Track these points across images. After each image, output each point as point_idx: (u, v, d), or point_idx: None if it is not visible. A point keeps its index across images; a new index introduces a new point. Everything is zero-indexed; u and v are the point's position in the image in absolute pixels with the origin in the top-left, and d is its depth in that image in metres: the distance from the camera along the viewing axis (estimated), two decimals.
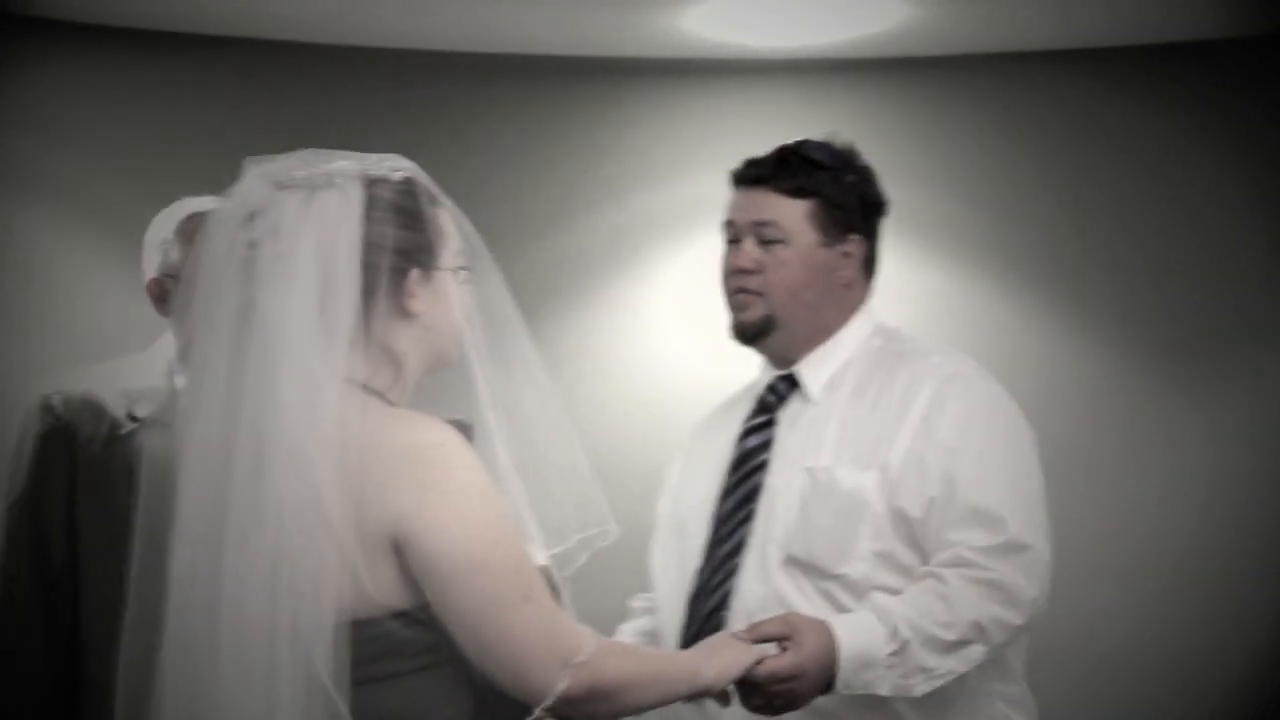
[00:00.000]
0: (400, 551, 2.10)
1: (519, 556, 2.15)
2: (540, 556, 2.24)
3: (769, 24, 5.36)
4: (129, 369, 3.21)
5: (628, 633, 3.17)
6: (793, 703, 2.64)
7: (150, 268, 3.22)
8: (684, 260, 5.68)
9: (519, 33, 5.46)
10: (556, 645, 2.16)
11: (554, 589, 2.23)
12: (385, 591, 2.10)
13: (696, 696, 2.44)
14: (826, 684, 2.68)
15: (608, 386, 5.57)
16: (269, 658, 2.05)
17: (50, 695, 3.13)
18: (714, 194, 5.72)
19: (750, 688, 2.58)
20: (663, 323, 5.74)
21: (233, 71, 5.43)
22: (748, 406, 3.10)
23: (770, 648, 2.61)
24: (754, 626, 2.66)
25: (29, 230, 5.17)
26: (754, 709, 2.63)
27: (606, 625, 2.29)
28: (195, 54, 5.38)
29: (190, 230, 3.13)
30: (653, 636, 3.11)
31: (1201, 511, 5.39)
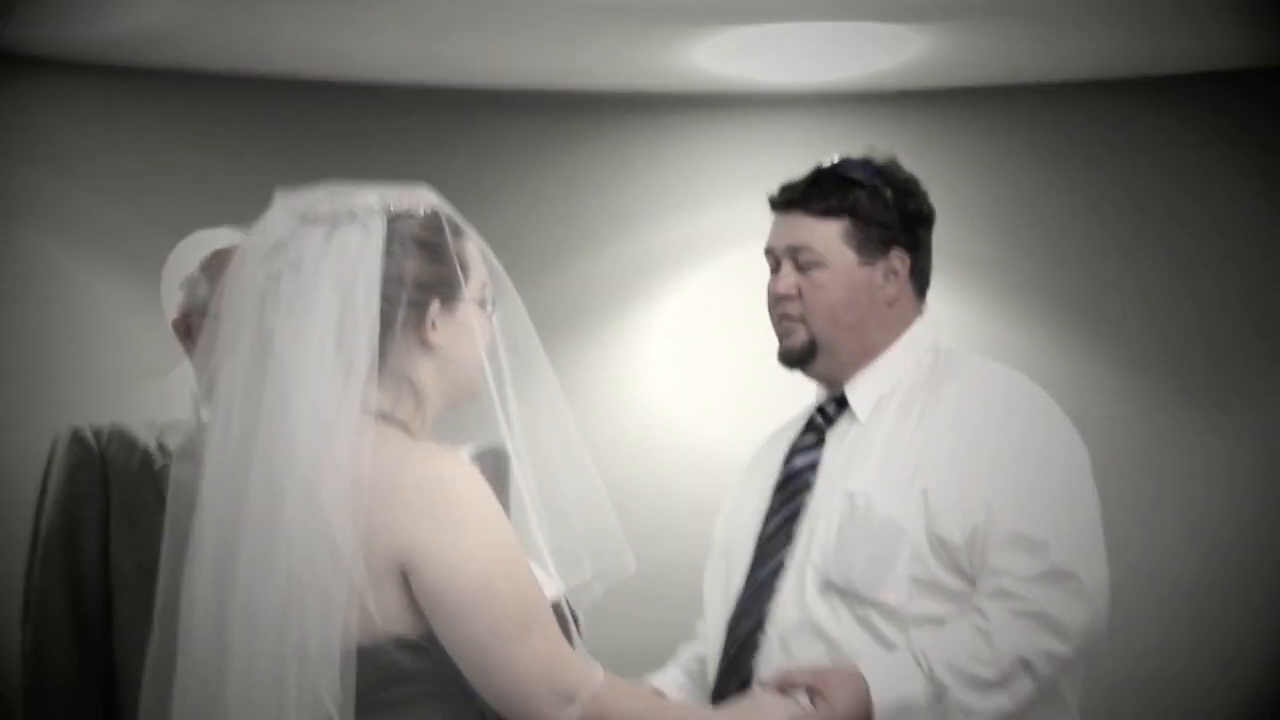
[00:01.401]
0: (408, 580, 2.14)
1: (526, 589, 2.18)
2: (554, 589, 2.25)
3: (779, 58, 5.38)
4: (151, 398, 3.25)
5: (689, 656, 3.15)
6: None
7: (173, 306, 3.23)
8: (687, 292, 5.73)
9: (528, 66, 5.52)
10: (560, 679, 2.17)
11: (566, 623, 2.25)
12: (392, 620, 2.14)
13: None
14: None
15: (608, 421, 5.53)
16: (278, 686, 2.09)
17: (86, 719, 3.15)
18: (721, 227, 5.75)
19: None
20: (665, 357, 5.78)
21: (236, 106, 5.52)
22: (800, 428, 3.06)
23: (801, 703, 2.59)
24: (786, 675, 2.65)
25: (40, 262, 5.25)
26: None
27: (616, 659, 2.30)
28: (216, 93, 5.48)
29: (216, 266, 3.17)
30: (704, 661, 3.08)
31: (1226, 538, 5.42)
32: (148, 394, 3.28)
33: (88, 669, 3.16)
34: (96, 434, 3.16)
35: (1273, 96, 5.41)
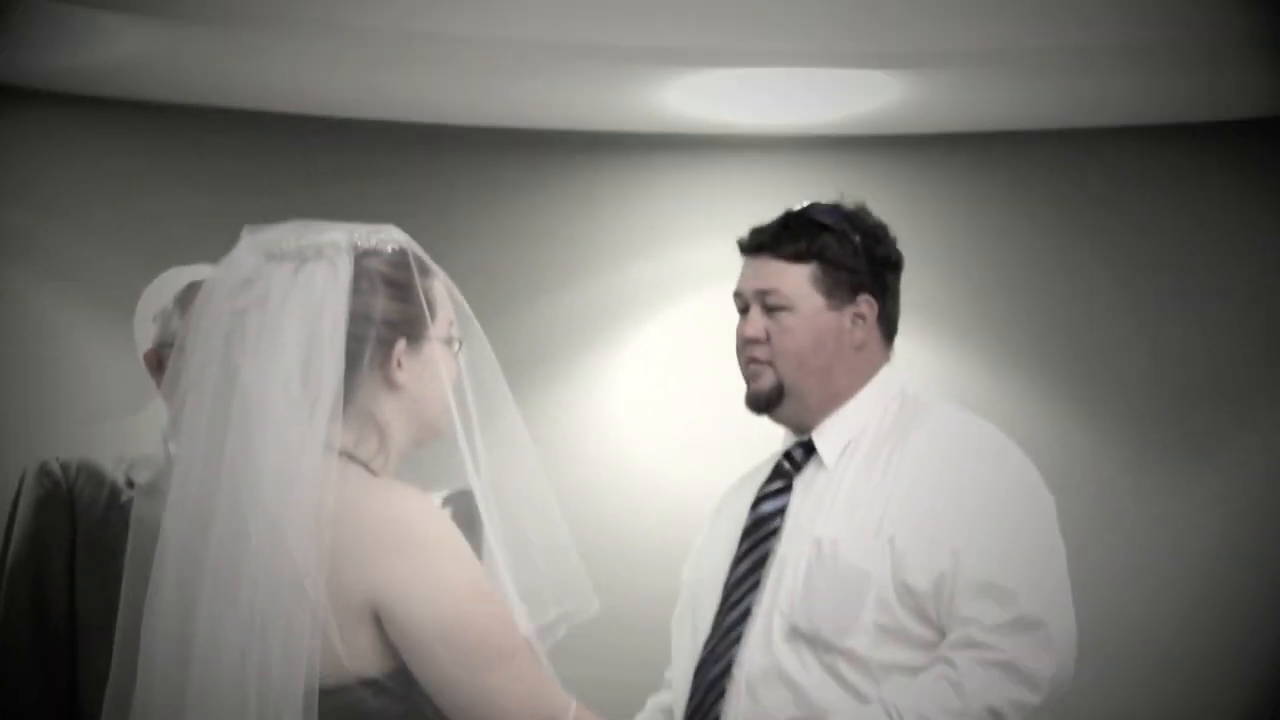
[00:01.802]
0: (379, 619, 2.13)
1: (500, 618, 2.18)
2: (523, 627, 2.25)
3: (752, 101, 5.40)
4: (122, 433, 3.24)
5: (653, 708, 3.17)
6: None
7: (146, 339, 3.24)
8: (653, 334, 5.75)
9: (497, 104, 5.54)
10: (540, 707, 2.18)
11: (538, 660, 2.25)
12: (358, 659, 2.13)
13: None
14: None
15: (571, 463, 5.55)
16: None
17: None
18: (688, 269, 5.77)
19: None
20: (629, 399, 5.77)
21: (224, 143, 5.53)
22: (768, 473, 3.06)
23: None
24: None
25: (6, 294, 5.23)
26: None
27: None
28: (188, 125, 5.49)
29: (190, 299, 3.15)
30: (670, 712, 3.09)
31: (1188, 584, 5.46)
32: (117, 429, 3.27)
33: (52, 703, 3.14)
34: (64, 467, 3.16)
35: (1241, 150, 5.45)
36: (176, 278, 3.27)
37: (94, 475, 3.15)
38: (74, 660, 3.14)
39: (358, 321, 2.18)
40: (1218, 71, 4.97)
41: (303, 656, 2.08)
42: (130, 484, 3.13)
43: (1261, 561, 5.35)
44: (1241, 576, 5.37)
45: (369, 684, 2.14)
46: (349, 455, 2.19)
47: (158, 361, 3.23)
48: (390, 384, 2.22)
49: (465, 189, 5.65)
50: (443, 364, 2.25)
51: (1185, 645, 5.39)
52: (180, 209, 5.32)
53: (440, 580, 2.13)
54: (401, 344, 2.22)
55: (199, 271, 3.21)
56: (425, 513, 2.16)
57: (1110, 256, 5.58)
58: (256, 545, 2.09)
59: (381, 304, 2.20)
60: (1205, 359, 5.50)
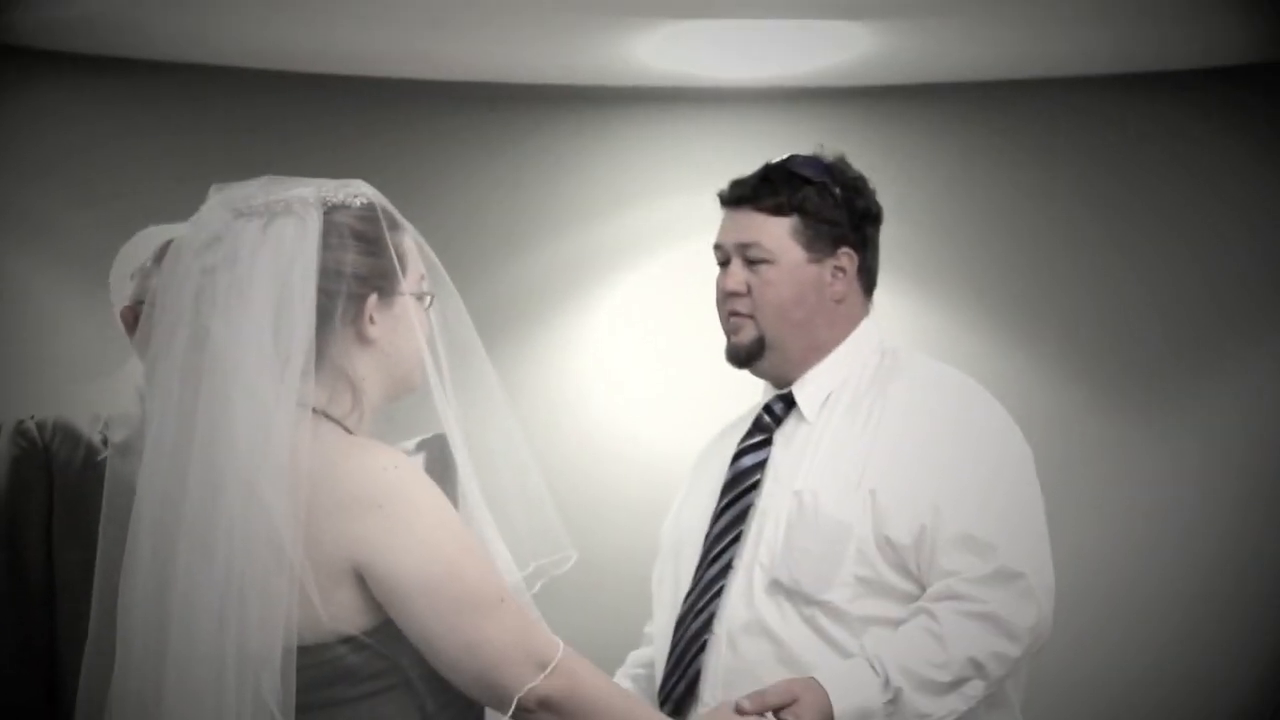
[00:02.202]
0: (360, 577, 2.13)
1: (484, 564, 2.19)
2: (509, 577, 2.26)
3: (723, 54, 5.36)
4: (99, 393, 3.22)
5: (632, 662, 3.18)
6: None
7: (123, 296, 3.22)
8: (627, 289, 5.74)
9: (468, 59, 5.48)
10: (533, 647, 2.19)
11: None
12: (338, 617, 2.13)
13: None
14: None
15: (545, 419, 5.56)
16: (217, 685, 2.08)
17: (28, 717, 3.13)
18: (661, 224, 5.74)
19: None
20: (603, 356, 5.76)
21: (202, 100, 5.48)
22: (748, 427, 3.07)
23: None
24: (757, 696, 2.62)
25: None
26: None
27: None
28: (167, 82, 5.43)
29: None
30: (651, 666, 3.10)
31: (1168, 539, 5.46)
32: (93, 389, 3.25)
33: (30, 666, 3.13)
34: (40, 426, 3.14)
35: (1247, 92, 5.42)
36: (155, 235, 3.24)
37: (70, 434, 3.13)
38: (52, 619, 3.13)
39: (328, 277, 2.18)
40: (1197, 19, 4.94)
41: (280, 615, 2.08)
42: (107, 442, 3.12)
43: (1242, 511, 5.36)
44: (1222, 526, 5.38)
45: (347, 641, 2.14)
46: (323, 413, 2.19)
47: (134, 319, 3.20)
48: (363, 339, 2.22)
49: (433, 145, 5.62)
50: (415, 318, 2.25)
51: (1169, 597, 5.40)
52: (152, 168, 5.28)
53: (421, 534, 2.13)
54: (373, 299, 2.22)
55: (178, 230, 3.15)
56: (401, 470, 2.16)
57: (1089, 207, 5.56)
58: (231, 505, 2.09)
59: (351, 258, 2.20)
60: (1186, 310, 5.50)
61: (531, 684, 2.16)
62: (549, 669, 2.17)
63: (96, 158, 5.32)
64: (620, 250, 5.72)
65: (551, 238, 5.73)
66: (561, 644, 2.21)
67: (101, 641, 2.19)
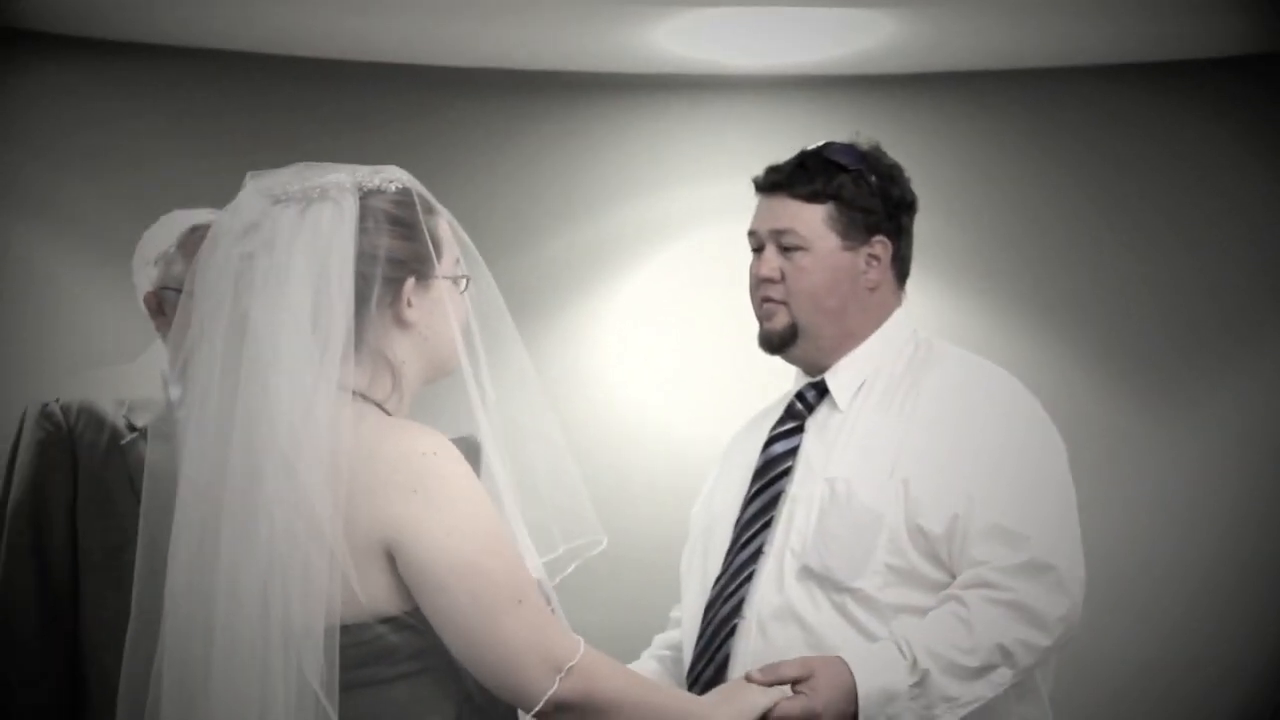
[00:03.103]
0: (392, 558, 2.15)
1: (512, 561, 2.20)
2: (533, 568, 2.27)
3: (743, 41, 5.35)
4: (121, 378, 3.25)
5: (659, 644, 3.17)
6: None
7: (146, 281, 3.22)
8: (645, 276, 5.72)
9: (487, 45, 5.48)
10: (549, 650, 2.19)
11: (547, 600, 2.27)
12: (375, 597, 2.15)
13: None
14: None
15: (565, 403, 5.56)
16: (262, 665, 2.10)
17: (51, 701, 3.16)
18: (680, 210, 5.70)
19: None
20: (622, 341, 5.75)
21: (219, 85, 5.48)
22: (779, 414, 3.06)
23: (785, 690, 2.59)
24: (770, 668, 2.63)
25: (12, 241, 5.20)
26: None
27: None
28: (182, 67, 5.43)
29: (193, 243, 3.22)
30: (679, 648, 3.09)
31: (1199, 531, 5.44)
32: (117, 374, 3.26)
33: (54, 646, 3.15)
34: (65, 410, 3.16)
35: (1248, 84, 5.41)
36: (179, 220, 3.27)
37: (95, 418, 3.15)
38: (76, 599, 3.15)
39: (365, 261, 2.20)
40: (1222, 9, 4.93)
41: (321, 595, 2.10)
42: (132, 427, 3.15)
43: (1267, 499, 5.35)
44: (1253, 512, 5.36)
45: (388, 621, 2.16)
46: (363, 396, 2.21)
47: (157, 304, 3.24)
48: (401, 323, 2.24)
49: (454, 131, 5.62)
50: (450, 302, 2.27)
51: (1201, 586, 5.40)
52: (176, 155, 5.30)
53: (454, 522, 2.15)
54: (410, 282, 2.24)
55: (202, 215, 3.22)
56: (441, 454, 2.18)
57: (1118, 196, 5.55)
58: (272, 486, 2.11)
59: (387, 242, 2.22)
60: (1202, 297, 5.49)
61: (549, 690, 2.17)
62: (564, 672, 2.18)
63: (117, 143, 5.33)
64: (640, 237, 5.72)
65: (570, 224, 5.72)
66: (581, 644, 2.22)
67: (145, 625, 2.20)
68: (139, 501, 2.99)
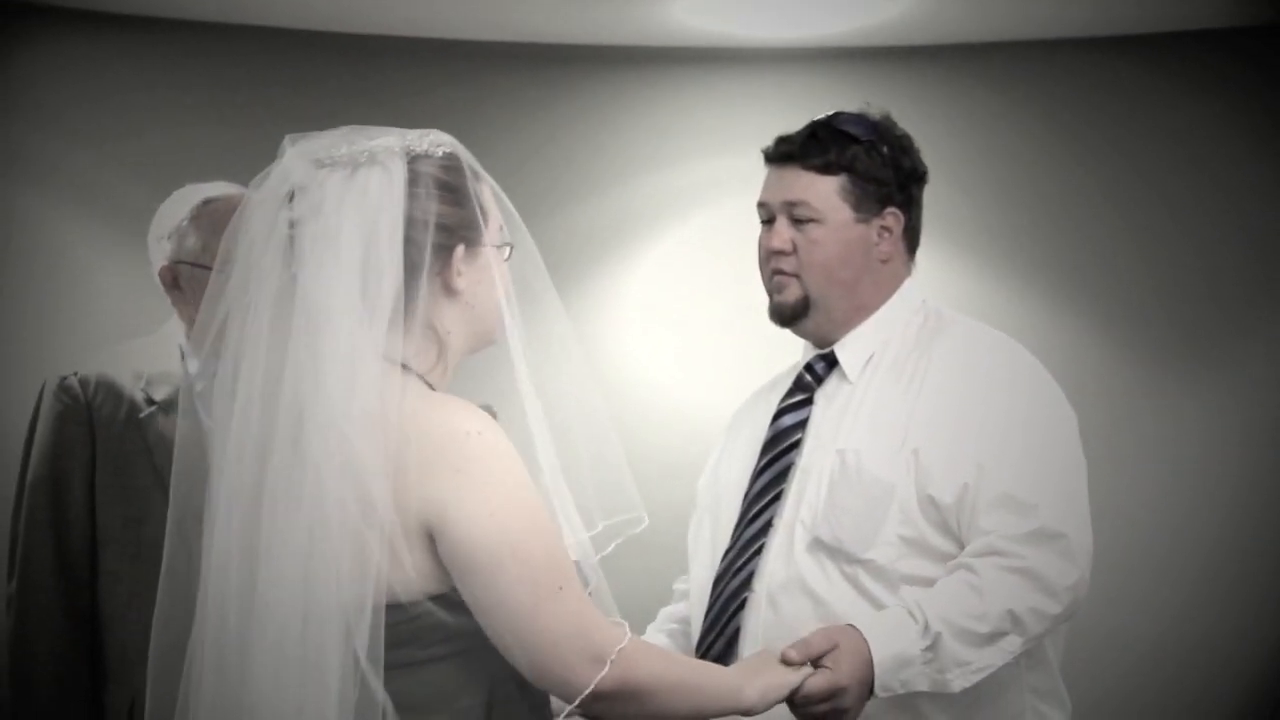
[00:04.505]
0: (433, 538, 2.10)
1: (553, 548, 2.14)
2: (574, 545, 2.22)
3: (762, 14, 5.34)
4: (139, 351, 3.23)
5: (665, 618, 3.15)
6: (840, 719, 2.59)
7: (161, 255, 3.21)
8: (663, 249, 5.72)
9: (507, 19, 5.46)
10: (588, 639, 2.14)
11: (585, 583, 2.22)
12: (423, 573, 2.10)
13: (737, 714, 2.41)
14: (870, 691, 2.63)
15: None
16: (301, 638, 2.05)
17: (70, 670, 3.15)
18: (698, 184, 5.68)
19: (793, 708, 2.54)
20: (641, 314, 5.75)
21: (223, 57, 5.44)
22: (788, 386, 3.04)
23: (809, 666, 2.57)
24: (801, 645, 2.58)
25: (28, 216, 5.17)
26: None
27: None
28: (194, 41, 5.40)
29: (207, 215, 3.19)
30: (687, 621, 3.08)
31: (1209, 501, 5.44)
32: (134, 348, 3.25)
33: (73, 619, 3.14)
34: (83, 383, 3.14)
35: (1257, 55, 5.40)
36: (192, 194, 3.24)
37: (113, 391, 3.14)
38: (94, 573, 3.14)
39: (415, 227, 2.14)
40: None
41: (370, 569, 2.05)
42: (150, 401, 3.13)
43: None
44: (1261, 479, 5.37)
45: (439, 599, 2.11)
46: (406, 368, 2.15)
47: (173, 278, 3.21)
48: (449, 291, 2.19)
49: (473, 105, 5.59)
50: (497, 270, 2.22)
51: (1210, 558, 5.40)
52: (188, 128, 5.27)
53: (492, 507, 2.09)
54: (460, 249, 2.19)
55: (214, 188, 3.20)
56: (485, 436, 2.12)
57: (1131, 167, 5.54)
58: (318, 456, 2.05)
59: (438, 209, 2.17)
60: (1203, 266, 5.48)
61: (592, 682, 2.12)
62: (608, 664, 2.14)
63: (128, 117, 5.30)
64: (658, 210, 5.71)
65: (591, 197, 5.71)
66: (626, 632, 2.18)
67: (175, 595, 2.16)
68: (157, 475, 3.03)
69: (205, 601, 2.11)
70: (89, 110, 5.25)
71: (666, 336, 5.66)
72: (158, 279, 3.24)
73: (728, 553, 2.93)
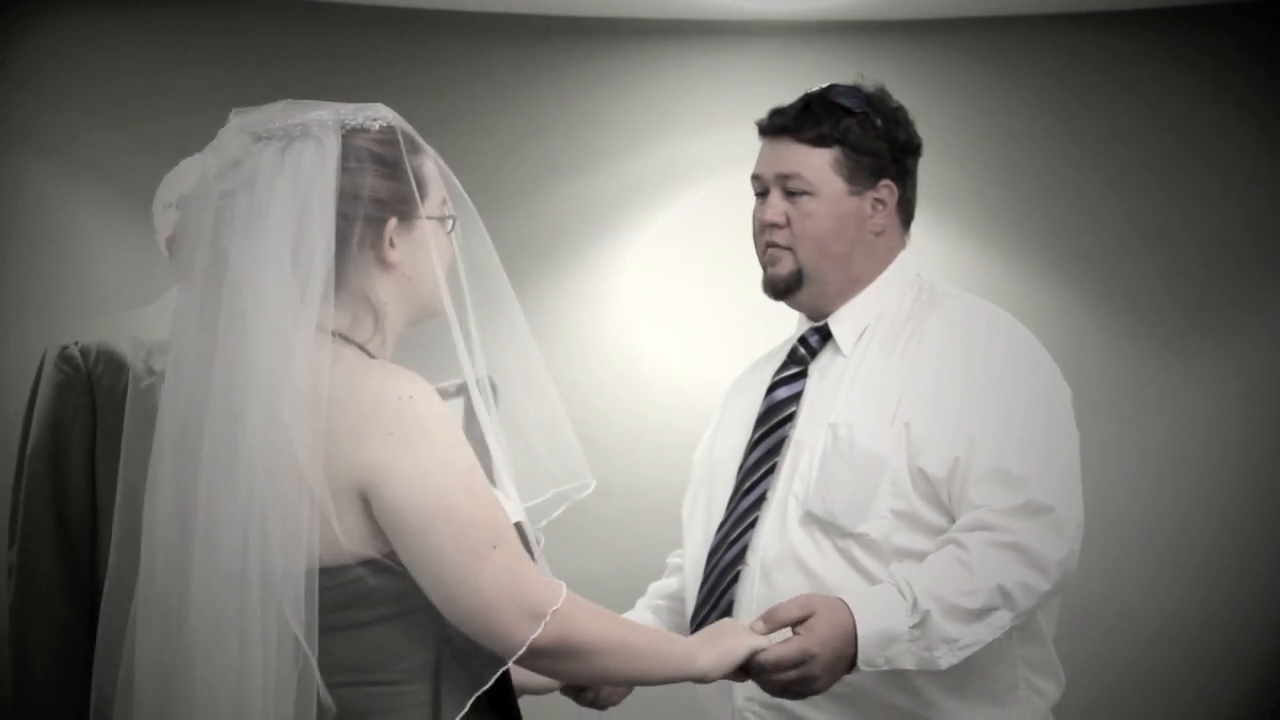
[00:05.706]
0: (367, 501, 2.12)
1: (487, 506, 2.15)
2: (515, 511, 2.24)
3: None
4: (140, 320, 3.22)
5: (654, 593, 3.15)
6: (810, 687, 2.58)
7: (166, 224, 3.22)
8: (662, 223, 5.70)
9: None
10: (525, 596, 2.15)
11: (528, 544, 2.23)
12: (354, 539, 2.12)
13: (693, 681, 2.41)
14: (849, 664, 2.61)
15: (581, 353, 5.55)
16: (240, 607, 2.08)
17: (70, 637, 3.17)
18: (696, 157, 5.67)
19: (758, 675, 2.52)
20: (639, 288, 5.72)
21: (226, 29, 5.46)
22: (782, 359, 3.03)
23: (778, 634, 2.54)
24: (770, 614, 2.58)
25: (38, 191, 5.21)
26: (774, 694, 2.59)
27: (583, 592, 2.27)
28: (202, 13, 5.43)
29: None
30: (677, 597, 3.08)
31: (1206, 477, 5.41)
32: (136, 317, 3.24)
33: (73, 589, 3.16)
34: (84, 352, 3.15)
35: (1256, 33, 5.35)
36: (197, 164, 3.20)
37: (113, 360, 3.14)
38: (94, 544, 3.15)
39: (347, 200, 2.16)
40: None
41: (302, 536, 2.08)
42: (151, 370, 3.10)
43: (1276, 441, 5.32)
44: (1258, 459, 5.34)
45: (367, 563, 2.13)
46: (344, 337, 2.18)
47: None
48: (383, 263, 2.20)
49: (472, 77, 5.59)
50: (434, 243, 2.23)
51: (1208, 537, 5.36)
52: (196, 100, 5.25)
53: (424, 468, 2.11)
54: (393, 222, 2.20)
55: None
56: (417, 399, 2.13)
57: (1124, 141, 5.49)
58: (252, 427, 2.08)
59: (370, 182, 2.18)
60: (1203, 243, 5.45)
61: (529, 637, 2.14)
62: (545, 619, 2.15)
63: (135, 90, 5.32)
64: (658, 184, 5.69)
65: (591, 169, 5.70)
66: (563, 589, 2.19)
67: (123, 565, 2.20)
68: None
69: (145, 569, 2.14)
70: (100, 88, 5.27)
71: (665, 310, 5.64)
72: (163, 247, 3.25)
73: (722, 526, 2.93)
